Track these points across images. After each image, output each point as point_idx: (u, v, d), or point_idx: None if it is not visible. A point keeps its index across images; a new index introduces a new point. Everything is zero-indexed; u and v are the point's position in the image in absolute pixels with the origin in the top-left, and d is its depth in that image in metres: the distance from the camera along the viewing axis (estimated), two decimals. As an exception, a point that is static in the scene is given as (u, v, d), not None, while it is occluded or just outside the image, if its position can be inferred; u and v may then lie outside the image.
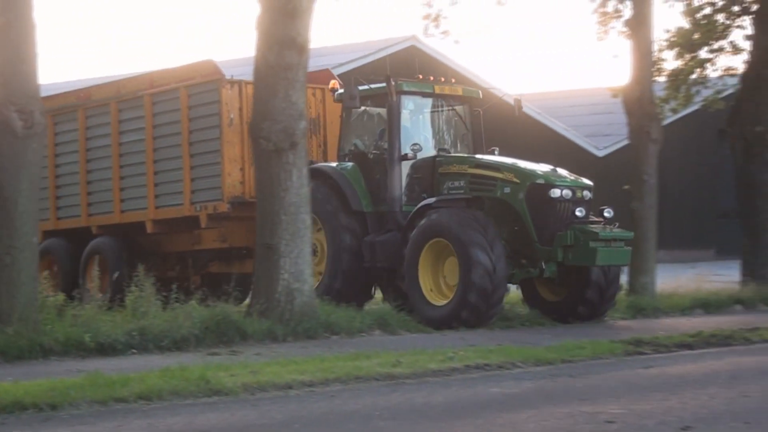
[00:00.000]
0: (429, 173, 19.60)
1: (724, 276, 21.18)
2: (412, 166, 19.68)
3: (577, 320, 19.02)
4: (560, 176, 19.03)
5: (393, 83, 19.21)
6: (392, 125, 19.43)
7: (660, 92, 28.70)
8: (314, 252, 18.88)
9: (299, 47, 16.66)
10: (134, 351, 14.93)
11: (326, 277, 19.51)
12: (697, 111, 35.72)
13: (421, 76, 21.17)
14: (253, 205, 19.28)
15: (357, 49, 38.59)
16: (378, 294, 21.94)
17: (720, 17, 30.37)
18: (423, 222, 18.23)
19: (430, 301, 18.21)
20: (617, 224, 19.01)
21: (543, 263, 18.29)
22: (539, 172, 18.85)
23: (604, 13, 29.30)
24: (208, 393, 11.65)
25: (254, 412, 10.89)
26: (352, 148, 20.82)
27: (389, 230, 19.34)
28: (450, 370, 13.46)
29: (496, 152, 20.47)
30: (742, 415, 10.40)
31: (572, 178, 19.25)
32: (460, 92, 21.08)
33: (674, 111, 31.59)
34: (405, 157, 19.35)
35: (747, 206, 25.58)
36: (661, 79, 30.32)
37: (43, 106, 15.94)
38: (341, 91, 20.36)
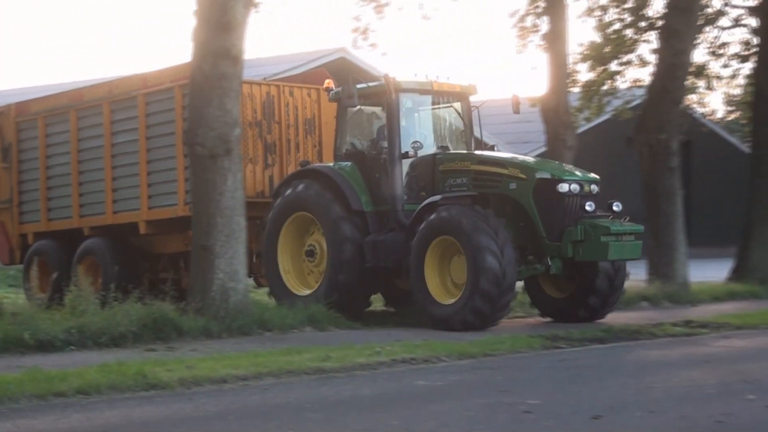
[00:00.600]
0: (429, 171, 18.29)
1: (632, 275, 21.24)
2: (411, 165, 18.45)
3: (577, 321, 17.91)
4: (567, 170, 18.04)
5: (392, 80, 18.19)
6: (391, 123, 18.23)
7: (575, 102, 29.18)
8: (312, 253, 18.61)
9: (234, 58, 16.58)
10: (73, 348, 14.62)
11: (325, 285, 18.26)
12: (608, 120, 36.11)
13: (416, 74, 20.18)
14: (249, 205, 18.67)
15: (289, 60, 37.84)
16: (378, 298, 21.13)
17: (629, 32, 31.05)
18: (432, 218, 16.96)
19: (437, 299, 17.00)
20: (627, 218, 17.84)
21: (549, 259, 17.19)
22: (546, 167, 17.82)
23: (523, 28, 29.54)
24: (145, 387, 11.44)
25: (190, 405, 10.73)
26: (349, 147, 19.40)
27: (391, 229, 18.06)
28: (377, 364, 13.38)
29: (496, 148, 20.21)
30: (647, 405, 10.51)
31: (579, 172, 18.15)
32: (458, 89, 19.68)
33: (588, 120, 32.22)
34: (406, 155, 18.16)
35: (652, 209, 25.76)
36: (576, 89, 30.87)
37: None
38: (338, 90, 19.37)
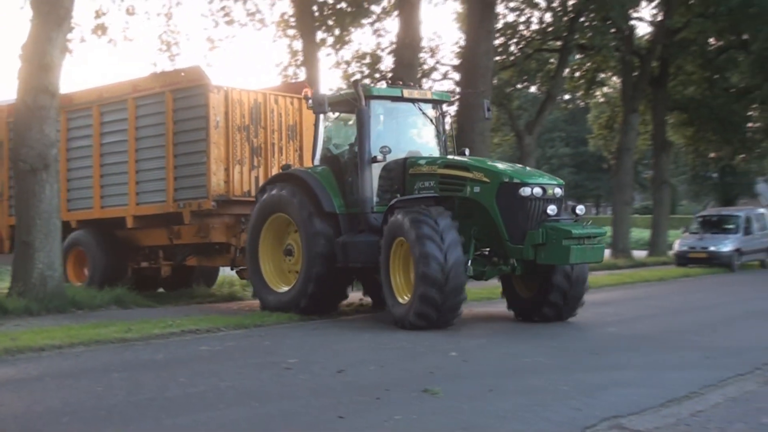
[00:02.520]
0: (400, 174, 15.60)
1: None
2: (384, 168, 15.68)
3: (542, 320, 14.91)
4: (530, 174, 15.10)
5: (361, 88, 15.50)
6: (361, 129, 15.33)
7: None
8: (291, 252, 16.09)
9: (51, 93, 16.19)
10: None
11: (301, 279, 15.50)
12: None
13: (389, 81, 18.96)
14: (236, 203, 17.51)
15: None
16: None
17: (368, 81, 31.19)
18: (390, 220, 14.33)
19: (397, 298, 14.15)
20: (590, 221, 15.45)
21: (515, 261, 14.48)
22: (509, 171, 14.76)
23: (286, 76, 29.59)
24: (-25, 356, 11.00)
25: (13, 369, 10.41)
26: (326, 152, 16.52)
27: (361, 231, 15.40)
28: (169, 334, 13.20)
29: (466, 152, 16.86)
30: (379, 361, 10.78)
31: (543, 176, 15.27)
32: (429, 95, 16.74)
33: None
34: (375, 160, 15.38)
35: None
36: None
37: None
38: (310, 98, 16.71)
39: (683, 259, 30.42)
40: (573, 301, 14.85)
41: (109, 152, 19.27)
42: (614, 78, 45.29)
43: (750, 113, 53.53)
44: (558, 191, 14.41)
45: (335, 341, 12.78)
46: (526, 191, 13.93)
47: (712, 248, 30.09)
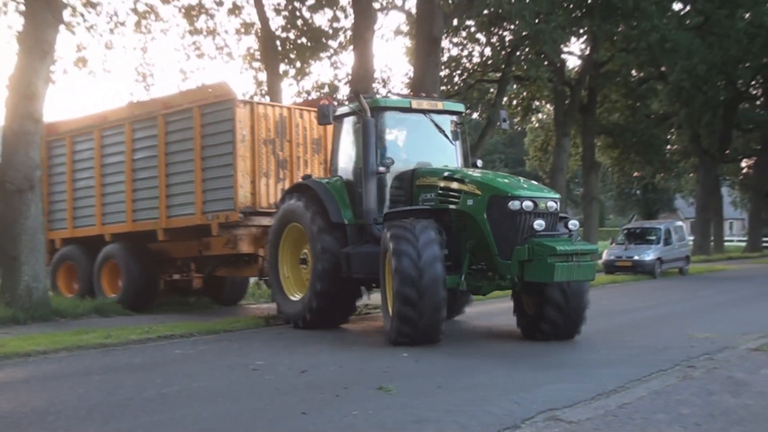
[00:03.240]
0: (408, 185, 14.04)
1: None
2: (396, 179, 14.23)
3: (543, 338, 13.04)
4: (522, 187, 13.03)
5: (364, 100, 14.08)
6: (366, 140, 13.83)
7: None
8: (305, 261, 14.67)
9: (36, 120, 16.05)
10: None
11: (307, 293, 14.22)
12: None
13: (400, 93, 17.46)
14: (263, 214, 16.37)
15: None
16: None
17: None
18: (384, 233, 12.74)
19: (389, 311, 12.43)
20: (579, 237, 13.24)
21: (515, 276, 12.62)
22: (500, 184, 12.98)
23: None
24: (-34, 361, 10.82)
25: (1, 373, 10.31)
26: (348, 164, 14.84)
27: (366, 242, 13.84)
28: (146, 339, 13.12)
29: (478, 164, 15.31)
30: (340, 362, 10.68)
31: (536, 189, 13.22)
32: (440, 106, 14.94)
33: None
34: (378, 172, 13.88)
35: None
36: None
37: None
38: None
39: (611, 268, 30.62)
40: (572, 316, 12.91)
41: (140, 167, 18.31)
42: (548, 105, 45.78)
43: (668, 137, 54.47)
44: (551, 205, 12.61)
45: (298, 345, 12.69)
46: (515, 205, 12.29)
47: (636, 257, 30.36)
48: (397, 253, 11.86)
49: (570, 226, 12.84)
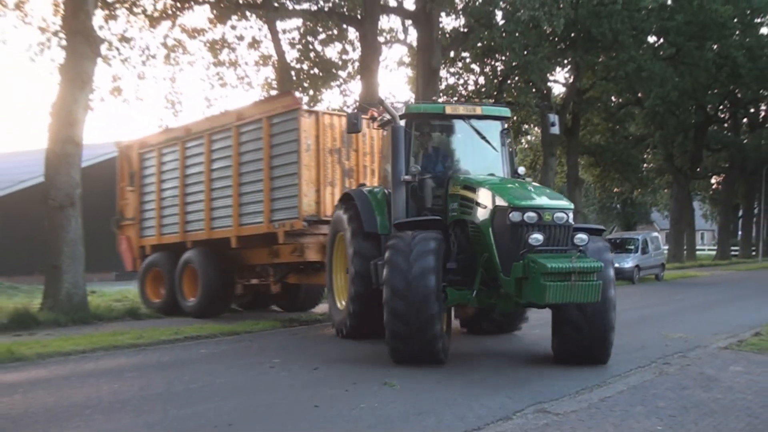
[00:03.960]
0: (444, 193, 11.95)
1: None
2: (438, 188, 12.12)
3: (574, 361, 10.48)
4: (529, 197, 10.55)
5: (390, 106, 12.45)
6: (394, 147, 11.97)
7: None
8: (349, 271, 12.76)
9: (76, 143, 16.11)
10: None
11: (347, 297, 12.72)
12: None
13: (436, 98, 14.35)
14: (326, 223, 14.64)
15: (110, 147, 33.55)
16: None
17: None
18: None
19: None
20: (580, 253, 10.14)
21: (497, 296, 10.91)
22: (505, 192, 10.59)
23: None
24: (13, 360, 10.87)
25: (45, 370, 10.31)
26: (386, 174, 12.94)
27: None
28: (175, 339, 13.10)
29: (520, 171, 12.66)
30: (353, 360, 10.46)
31: (546, 199, 10.69)
32: (479, 111, 12.56)
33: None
34: (405, 180, 11.87)
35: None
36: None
37: None
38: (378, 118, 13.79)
39: (593, 275, 30.52)
40: (594, 338, 10.40)
41: (217, 177, 17.26)
42: (536, 128, 45.75)
43: (645, 156, 54.45)
44: (560, 216, 10.15)
45: (311, 344, 12.70)
46: (515, 216, 10.03)
47: (616, 265, 30.15)
48: (388, 264, 10.18)
49: (576, 241, 10.11)
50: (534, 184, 12.28)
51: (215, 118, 18.04)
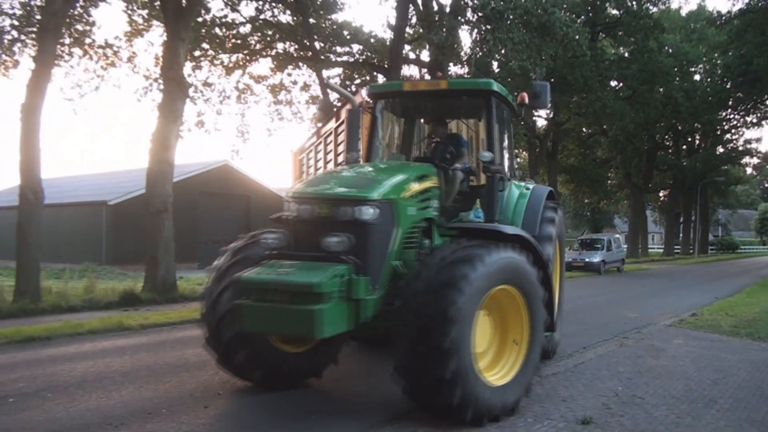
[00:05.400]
0: None
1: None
2: None
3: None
4: (311, 185, 5.94)
5: (343, 90, 9.21)
6: (347, 131, 7.89)
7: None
8: None
9: (169, 163, 16.22)
10: (86, 309, 13.58)
11: None
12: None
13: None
14: None
15: (194, 166, 31.52)
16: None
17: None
18: None
19: None
20: (278, 263, 5.56)
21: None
22: (308, 182, 6.17)
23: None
24: (122, 329, 10.99)
25: (146, 338, 10.38)
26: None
27: None
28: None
29: (483, 158, 6.93)
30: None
31: (326, 189, 5.80)
32: (443, 86, 7.34)
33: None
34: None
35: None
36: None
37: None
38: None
39: (569, 267, 30.28)
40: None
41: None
42: (524, 153, 45.63)
43: (609, 174, 54.11)
44: (348, 211, 5.58)
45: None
46: (291, 209, 5.91)
47: (587, 260, 30.00)
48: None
49: (327, 243, 5.49)
50: (365, 168, 6.70)
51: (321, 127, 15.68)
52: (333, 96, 23.53)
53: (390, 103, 7.97)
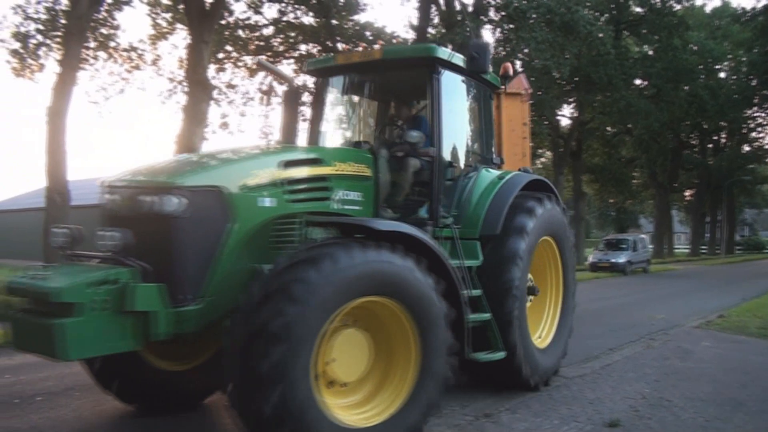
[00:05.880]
0: None
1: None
2: None
3: None
4: (130, 173, 4.75)
5: (273, 67, 7.79)
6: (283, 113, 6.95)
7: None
8: None
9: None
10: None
11: None
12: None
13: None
14: None
15: None
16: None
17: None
18: None
19: None
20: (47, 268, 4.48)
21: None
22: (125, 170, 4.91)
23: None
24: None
25: None
26: None
27: None
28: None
29: (409, 138, 5.94)
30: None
31: (136, 176, 4.64)
32: (376, 56, 6.12)
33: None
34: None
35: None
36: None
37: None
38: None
39: (594, 267, 29.99)
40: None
41: None
42: (548, 152, 45.37)
43: (634, 174, 53.63)
44: (144, 203, 4.43)
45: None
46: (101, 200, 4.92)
47: (612, 260, 29.77)
48: None
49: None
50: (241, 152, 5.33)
51: None
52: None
53: (334, 81, 6.74)
